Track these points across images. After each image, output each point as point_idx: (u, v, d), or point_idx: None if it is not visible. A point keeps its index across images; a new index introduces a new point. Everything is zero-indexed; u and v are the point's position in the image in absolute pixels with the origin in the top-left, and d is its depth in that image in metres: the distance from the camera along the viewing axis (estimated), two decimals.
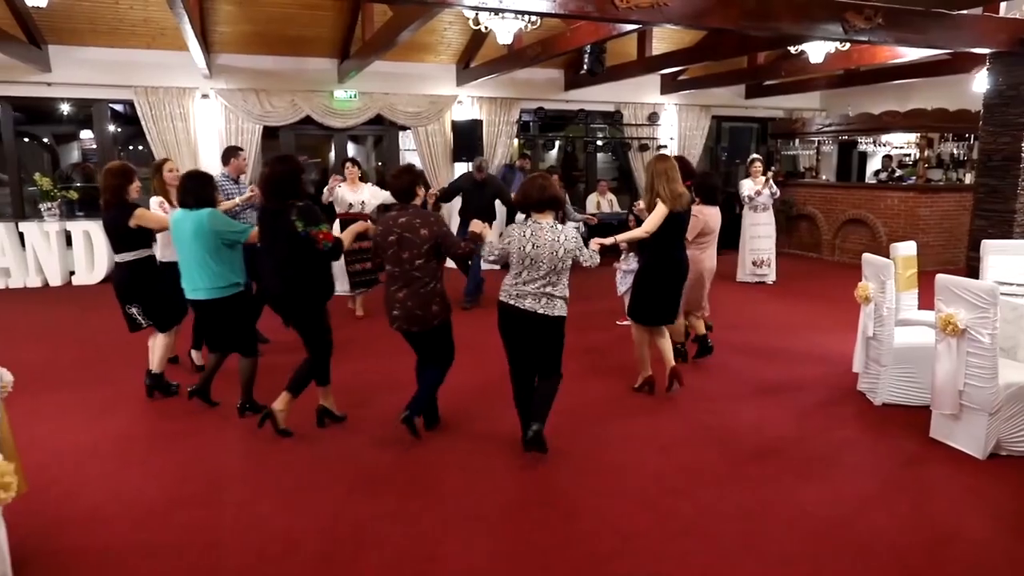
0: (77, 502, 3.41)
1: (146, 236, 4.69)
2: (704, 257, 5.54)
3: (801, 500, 3.50)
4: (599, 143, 12.05)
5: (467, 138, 10.56)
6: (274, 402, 4.14)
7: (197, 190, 4.27)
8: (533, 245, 3.72)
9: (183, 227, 4.26)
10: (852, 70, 10.20)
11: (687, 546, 3.09)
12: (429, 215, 4.03)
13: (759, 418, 4.58)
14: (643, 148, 12.04)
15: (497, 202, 7.96)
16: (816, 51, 7.76)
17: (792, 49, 8.35)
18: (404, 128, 11.04)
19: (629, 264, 5.81)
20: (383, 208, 7.10)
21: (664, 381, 4.93)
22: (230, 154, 6.26)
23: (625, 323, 6.72)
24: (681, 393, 4.96)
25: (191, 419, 4.48)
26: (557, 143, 12.52)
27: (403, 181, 4.00)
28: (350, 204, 7.13)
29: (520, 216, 4.09)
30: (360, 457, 3.94)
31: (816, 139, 12.05)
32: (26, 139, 10.93)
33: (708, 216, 5.48)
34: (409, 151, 11.34)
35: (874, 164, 12.57)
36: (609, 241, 4.49)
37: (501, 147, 11.22)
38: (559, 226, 3.80)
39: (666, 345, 4.90)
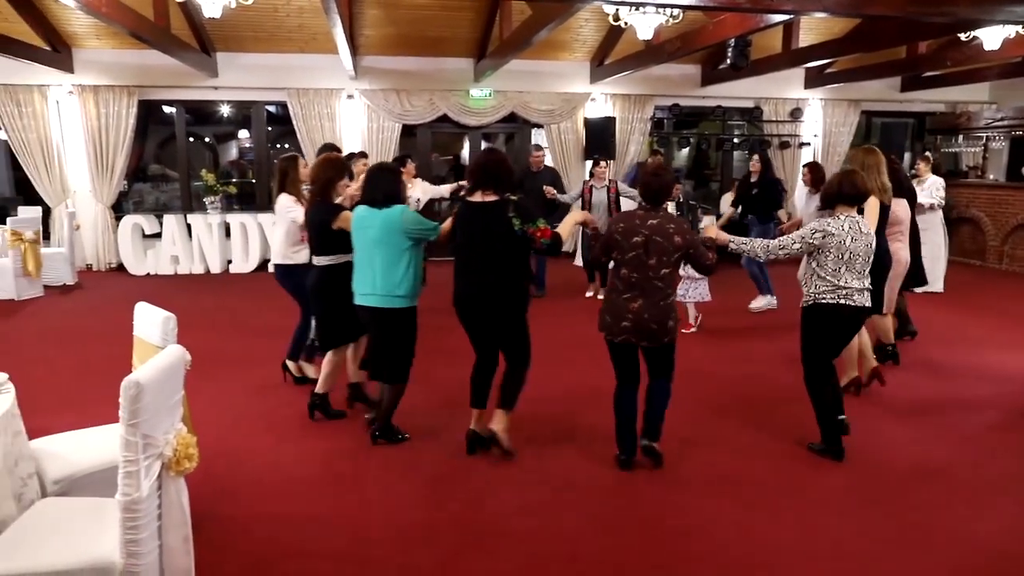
0: (241, 473, 3.70)
1: (347, 240, 4.08)
2: (897, 247, 5.17)
3: (971, 530, 3.19)
4: (735, 140, 11.58)
5: (599, 136, 10.47)
6: (491, 423, 3.81)
7: (388, 186, 3.87)
8: None
9: (367, 226, 3.83)
10: None
11: (839, 569, 2.89)
12: (682, 221, 3.74)
13: (919, 437, 4.22)
14: (784, 146, 11.45)
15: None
16: (992, 37, 7.00)
17: (962, 36, 7.60)
18: (537, 126, 11.12)
19: (689, 271, 5.60)
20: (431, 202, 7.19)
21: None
22: (352, 158, 5.84)
23: (691, 330, 6.40)
24: None
25: (340, 401, 4.71)
26: (691, 140, 12.15)
27: (661, 181, 3.64)
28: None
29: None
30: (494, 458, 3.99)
31: (983, 135, 10.95)
32: (191, 139, 12.01)
33: (897, 207, 5.04)
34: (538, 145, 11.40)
35: None
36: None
37: (633, 144, 11.05)
38: None
39: (866, 340, 4.71)
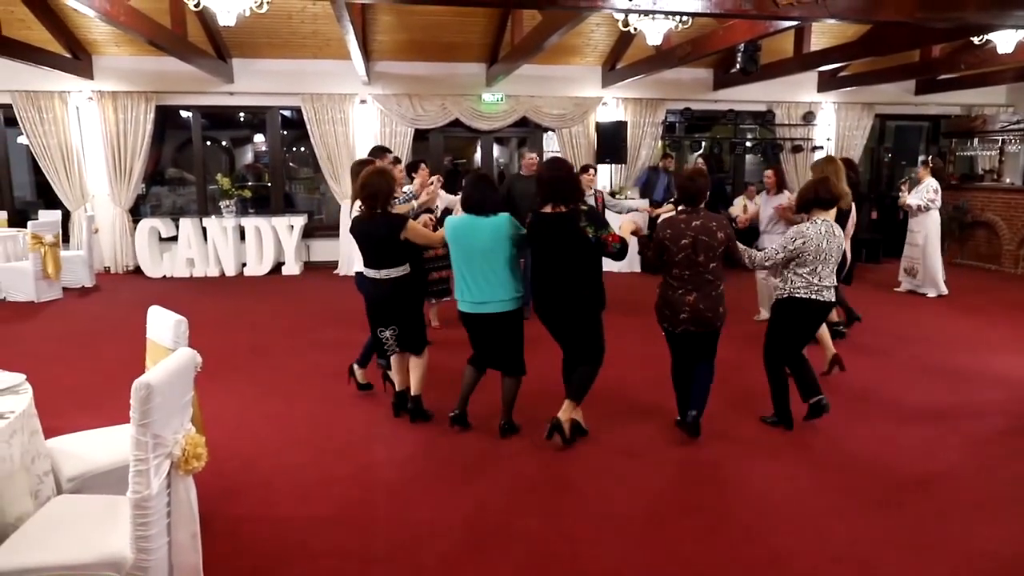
0: (250, 473, 3.77)
1: (412, 249, 4.26)
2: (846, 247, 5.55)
3: (979, 536, 3.18)
4: (748, 144, 11.56)
5: (611, 139, 10.51)
6: (559, 412, 4.01)
7: (492, 194, 4.02)
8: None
9: (473, 236, 3.93)
10: None
11: (843, 572, 2.91)
12: (721, 217, 4.10)
13: (926, 443, 4.21)
14: (796, 150, 11.42)
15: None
16: (1006, 40, 6.98)
17: (975, 39, 7.56)
18: (548, 130, 11.17)
19: None
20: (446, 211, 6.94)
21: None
22: (378, 155, 5.67)
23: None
24: (835, 411, 4.65)
25: (347, 404, 4.79)
26: (703, 144, 12.14)
27: (698, 184, 3.99)
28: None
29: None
30: (508, 458, 4.04)
31: (1000, 138, 10.85)
32: (207, 143, 12.19)
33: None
34: (553, 152, 11.46)
35: None
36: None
37: (645, 148, 11.07)
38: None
39: (824, 331, 5.15)
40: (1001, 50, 7.23)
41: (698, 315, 3.95)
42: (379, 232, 4.14)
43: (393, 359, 4.46)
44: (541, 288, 3.99)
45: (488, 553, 3.06)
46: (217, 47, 9.54)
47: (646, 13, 5.70)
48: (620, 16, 6.35)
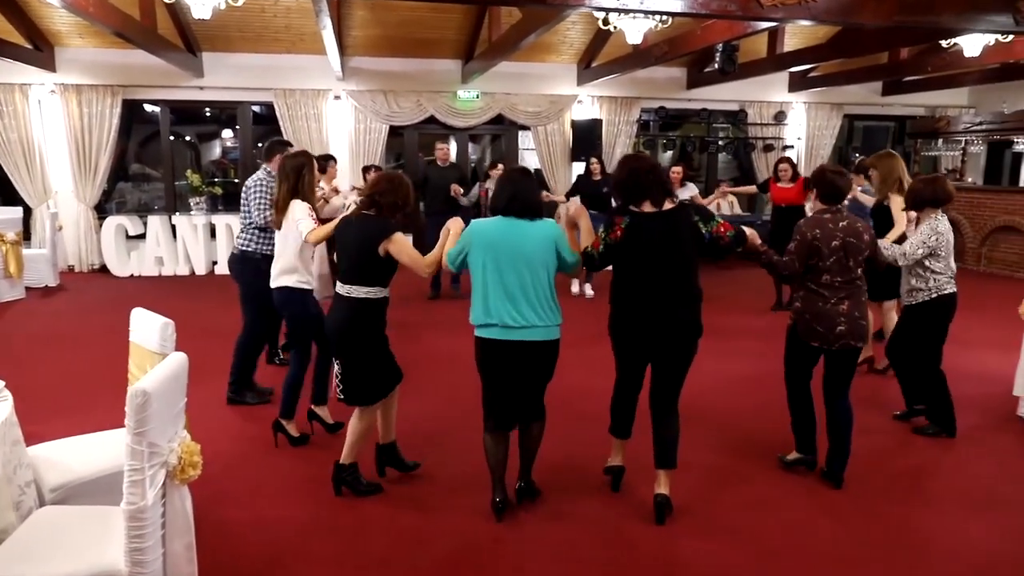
0: (237, 477, 3.69)
1: (392, 269, 3.45)
2: None
3: (964, 532, 3.25)
4: (720, 143, 11.70)
5: (586, 137, 10.53)
6: (660, 487, 3.30)
7: (535, 194, 3.27)
8: None
9: (517, 243, 3.15)
10: (1010, 64, 9.34)
11: (830, 572, 2.95)
12: (862, 219, 3.82)
13: (904, 441, 4.30)
14: (768, 148, 11.58)
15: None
16: (973, 44, 7.16)
17: (943, 43, 7.75)
18: (524, 128, 11.15)
19: None
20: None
21: None
22: (276, 150, 4.73)
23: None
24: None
25: (333, 402, 4.71)
26: (676, 143, 12.25)
27: (841, 182, 3.58)
28: None
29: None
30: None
31: (963, 139, 11.15)
32: (172, 138, 11.87)
33: None
34: (528, 150, 11.45)
35: None
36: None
37: (620, 147, 11.11)
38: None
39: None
40: (968, 53, 7.42)
41: (855, 326, 3.51)
42: (354, 237, 3.41)
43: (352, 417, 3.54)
44: (641, 307, 3.21)
45: (485, 557, 3.04)
46: (187, 40, 9.31)
47: (633, 12, 5.70)
48: (601, 15, 6.36)
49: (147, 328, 2.91)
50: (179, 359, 2.35)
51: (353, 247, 3.40)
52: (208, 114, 12.20)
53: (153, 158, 11.33)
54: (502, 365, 3.20)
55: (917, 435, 4.34)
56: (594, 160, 8.37)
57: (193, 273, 9.87)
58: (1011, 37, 6.70)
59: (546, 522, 3.28)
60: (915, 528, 3.29)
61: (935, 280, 4.15)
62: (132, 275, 9.66)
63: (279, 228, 4.08)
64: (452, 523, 3.28)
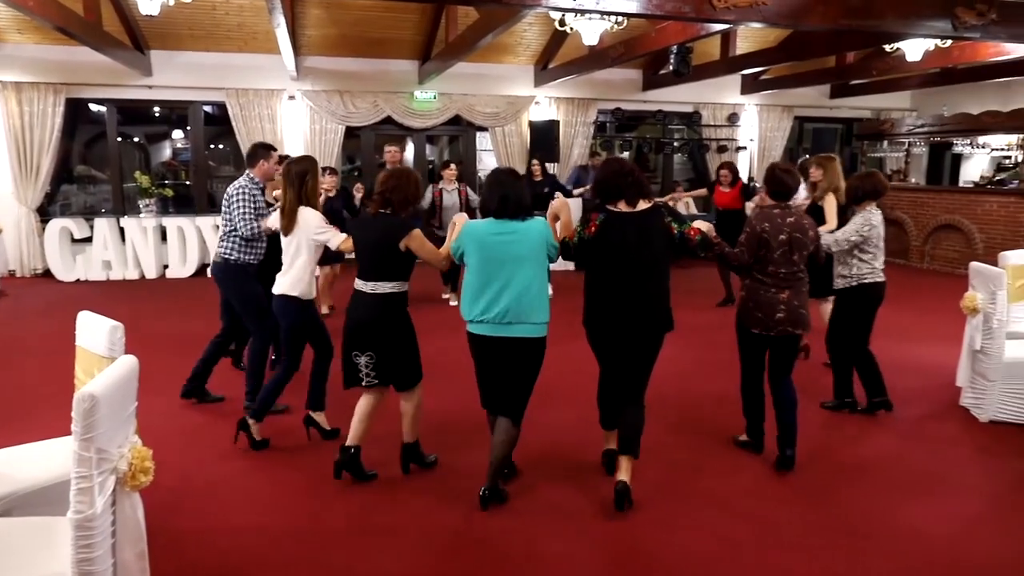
0: (190, 485, 3.59)
1: (412, 264, 3.56)
2: None
3: (907, 517, 3.36)
4: (676, 144, 11.88)
5: (543, 138, 10.58)
6: (620, 475, 3.37)
7: (524, 194, 3.40)
8: None
9: (511, 243, 3.28)
10: (949, 68, 9.72)
11: (790, 560, 3.02)
12: (807, 215, 4.01)
13: (857, 431, 4.43)
14: (721, 149, 11.81)
15: None
16: (914, 49, 7.43)
17: (887, 47, 8.02)
18: (482, 129, 11.15)
19: None
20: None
21: None
22: (260, 155, 4.60)
23: None
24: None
25: (290, 407, 4.64)
26: (632, 144, 12.41)
27: (790, 180, 3.82)
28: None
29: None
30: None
31: (906, 140, 11.55)
32: (119, 138, 11.54)
33: None
34: (486, 151, 11.45)
35: (970, 167, 11.96)
36: None
37: (577, 147, 11.20)
38: None
39: None
40: (910, 58, 7.69)
41: (794, 313, 3.72)
42: (376, 235, 3.49)
43: (360, 401, 3.64)
44: (612, 296, 3.35)
45: (449, 557, 3.02)
46: (134, 37, 9.06)
47: (589, 13, 5.75)
48: (557, 16, 6.40)
49: (95, 332, 2.82)
50: (129, 362, 2.28)
51: (374, 245, 3.50)
52: (157, 114, 11.88)
53: (100, 159, 10.98)
54: (491, 359, 3.36)
55: (866, 425, 4.47)
56: (535, 162, 8.61)
57: (143, 277, 9.60)
58: (950, 42, 6.97)
59: (509, 517, 3.28)
60: (864, 514, 3.38)
61: (864, 268, 4.44)
62: (78, 280, 9.34)
63: (286, 235, 3.92)
64: (417, 526, 3.25)
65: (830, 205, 5.32)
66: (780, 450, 3.83)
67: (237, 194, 4.43)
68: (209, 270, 4.70)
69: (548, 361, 3.47)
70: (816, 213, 5.37)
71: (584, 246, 3.42)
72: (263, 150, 4.59)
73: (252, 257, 4.50)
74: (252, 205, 4.41)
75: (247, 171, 4.57)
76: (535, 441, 4.02)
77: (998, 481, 3.78)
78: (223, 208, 4.54)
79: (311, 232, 3.86)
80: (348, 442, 3.61)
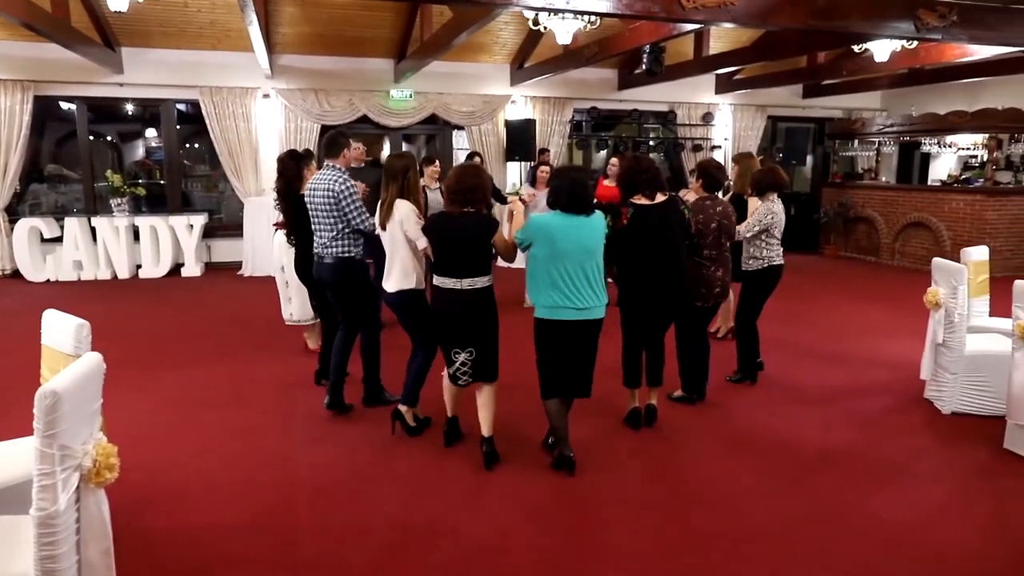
0: (161, 484, 3.57)
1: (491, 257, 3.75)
2: None
3: (872, 506, 3.44)
4: (651, 143, 11.98)
5: (520, 137, 10.60)
6: (651, 399, 4.33)
7: (591, 190, 3.73)
8: None
9: (579, 235, 3.55)
10: (917, 69, 9.92)
11: (759, 549, 3.07)
12: (730, 204, 4.71)
13: (824, 424, 4.51)
14: (697, 148, 11.92)
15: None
16: (881, 50, 7.57)
17: (856, 48, 8.15)
18: (458, 127, 11.15)
19: None
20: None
21: None
22: (343, 145, 4.41)
23: None
24: (744, 396, 4.92)
25: (260, 409, 4.62)
26: (608, 143, 12.48)
27: (721, 175, 4.58)
28: None
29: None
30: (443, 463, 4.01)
31: (876, 140, 11.75)
32: (91, 137, 11.38)
33: None
34: (462, 150, 11.46)
35: (938, 165, 12.19)
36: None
37: (554, 146, 11.23)
38: None
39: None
40: (877, 59, 7.83)
41: (725, 287, 4.53)
42: (468, 233, 3.63)
43: (451, 386, 3.87)
44: (649, 276, 4.02)
45: (415, 552, 3.04)
46: (104, 34, 8.93)
47: (560, 12, 5.79)
48: (530, 15, 6.43)
49: (60, 330, 2.79)
50: (93, 358, 2.26)
51: (467, 243, 3.64)
52: (130, 113, 11.71)
53: (71, 158, 10.80)
54: (568, 343, 3.63)
55: (832, 417, 4.57)
56: (476, 159, 8.32)
57: (115, 277, 9.48)
58: (916, 44, 7.10)
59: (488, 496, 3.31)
60: (830, 503, 3.46)
61: (771, 252, 4.96)
62: (48, 280, 9.20)
63: (383, 228, 3.99)
64: (387, 518, 3.26)
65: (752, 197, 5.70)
66: (699, 391, 4.70)
67: (344, 190, 4.21)
68: (315, 272, 4.49)
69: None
70: (736, 206, 5.59)
71: (618, 237, 3.89)
72: (343, 138, 4.43)
73: (361, 250, 4.41)
74: (360, 198, 4.30)
75: (330, 162, 4.36)
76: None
77: (959, 470, 3.88)
78: (321, 207, 4.27)
79: (405, 223, 3.89)
80: (485, 433, 3.78)
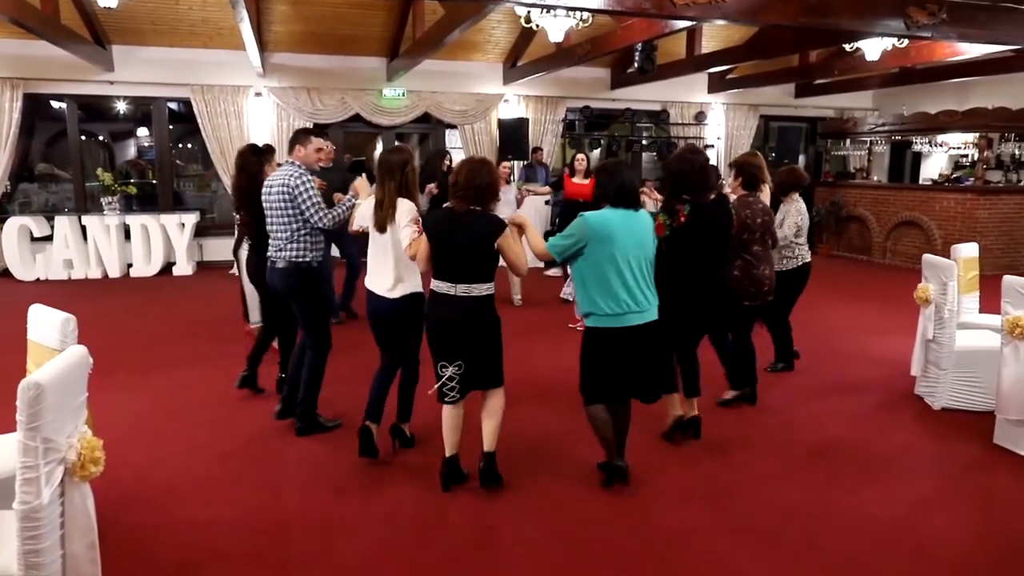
0: (149, 480, 3.55)
1: (498, 262, 3.36)
2: None
3: (862, 501, 3.45)
4: (644, 142, 11.99)
5: (513, 136, 10.60)
6: (692, 412, 4.06)
7: (637, 185, 3.48)
8: None
9: (632, 233, 3.31)
10: (908, 68, 9.96)
11: (748, 543, 3.08)
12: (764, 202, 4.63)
13: (815, 419, 4.52)
14: None
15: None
16: (872, 48, 7.60)
17: (847, 47, 8.19)
18: (451, 126, 11.14)
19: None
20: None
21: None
22: (299, 141, 4.14)
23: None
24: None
25: (248, 407, 4.60)
26: (601, 142, 12.49)
27: (760, 172, 4.50)
28: None
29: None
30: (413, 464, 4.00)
31: (868, 139, 11.79)
32: (82, 136, 11.34)
33: None
34: (455, 149, 11.44)
35: (929, 165, 12.25)
36: None
37: (547, 145, 11.24)
38: None
39: None
40: (869, 57, 7.86)
41: (772, 286, 4.54)
42: (471, 234, 3.23)
43: (446, 413, 3.40)
44: (702, 276, 3.78)
45: (406, 549, 3.02)
46: (94, 31, 8.88)
47: (551, 8, 5.79)
48: (523, 12, 6.43)
49: (46, 325, 2.77)
50: (78, 351, 2.25)
51: (466, 245, 3.24)
52: (121, 112, 11.66)
53: (61, 157, 10.75)
54: (629, 347, 3.34)
55: (823, 413, 4.58)
56: (448, 158, 8.20)
57: (106, 276, 9.42)
58: (907, 42, 7.14)
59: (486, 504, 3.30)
60: (821, 498, 3.46)
61: (802, 250, 5.07)
62: (38, 279, 9.14)
63: (383, 231, 3.57)
64: (379, 514, 3.25)
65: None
66: (752, 386, 4.64)
67: (299, 184, 3.91)
68: (268, 277, 4.15)
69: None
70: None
71: (676, 236, 3.66)
72: (303, 135, 4.15)
73: (319, 254, 4.08)
74: (318, 194, 4.00)
75: (287, 159, 4.15)
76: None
77: (949, 465, 3.89)
78: (276, 207, 3.99)
79: (402, 222, 3.48)
80: (449, 452, 3.43)
